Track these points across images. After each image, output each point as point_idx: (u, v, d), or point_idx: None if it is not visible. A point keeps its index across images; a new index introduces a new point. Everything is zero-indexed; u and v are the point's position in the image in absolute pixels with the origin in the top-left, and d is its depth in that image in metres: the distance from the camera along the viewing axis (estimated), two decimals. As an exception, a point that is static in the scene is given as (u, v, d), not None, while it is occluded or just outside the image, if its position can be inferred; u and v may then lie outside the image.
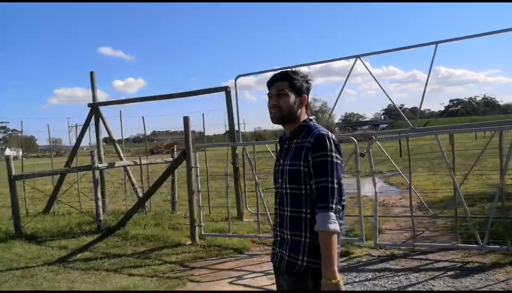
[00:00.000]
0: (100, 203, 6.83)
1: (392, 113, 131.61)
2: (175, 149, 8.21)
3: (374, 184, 5.11)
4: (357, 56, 6.62)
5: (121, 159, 8.36)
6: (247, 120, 72.85)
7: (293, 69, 1.95)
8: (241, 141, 7.72)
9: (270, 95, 1.88)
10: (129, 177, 8.42)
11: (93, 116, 8.61)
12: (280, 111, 1.83)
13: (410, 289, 3.90)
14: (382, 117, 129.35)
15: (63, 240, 6.46)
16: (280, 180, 1.84)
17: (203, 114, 8.35)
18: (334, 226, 1.64)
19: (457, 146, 6.86)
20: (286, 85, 1.84)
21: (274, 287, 3.45)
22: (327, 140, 1.71)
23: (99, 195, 6.81)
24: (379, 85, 6.62)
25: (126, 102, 8.68)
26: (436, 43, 6.06)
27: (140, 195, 8.35)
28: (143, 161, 7.77)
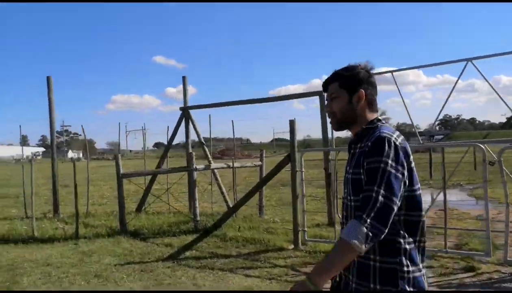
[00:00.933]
0: (197, 204, 6.99)
1: (448, 123, 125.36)
2: (264, 154, 8.24)
3: (506, 195, 4.76)
4: (468, 60, 6.28)
5: (209, 162, 8.54)
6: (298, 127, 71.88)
7: (349, 65, 1.63)
8: (334, 146, 7.60)
9: (326, 100, 1.69)
10: (217, 179, 8.57)
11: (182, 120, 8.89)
12: (335, 117, 1.63)
13: None
14: (437, 128, 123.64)
15: (165, 238, 6.67)
16: (345, 190, 1.61)
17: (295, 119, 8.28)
18: (359, 243, 1.34)
19: None
20: (337, 86, 1.61)
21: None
22: (386, 144, 1.42)
23: (196, 196, 6.98)
24: (494, 90, 6.20)
25: (216, 106, 8.89)
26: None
27: (227, 197, 8.49)
28: (235, 164, 7.87)
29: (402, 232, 1.46)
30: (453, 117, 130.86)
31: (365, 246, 1.35)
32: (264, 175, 8.08)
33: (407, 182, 1.44)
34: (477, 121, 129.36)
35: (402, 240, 1.45)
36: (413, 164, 1.49)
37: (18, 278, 4.77)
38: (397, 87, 6.79)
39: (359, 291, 1.48)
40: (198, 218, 7.04)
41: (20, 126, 9.97)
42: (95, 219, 7.84)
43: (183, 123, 8.97)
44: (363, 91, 1.58)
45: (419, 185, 1.50)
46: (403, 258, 1.43)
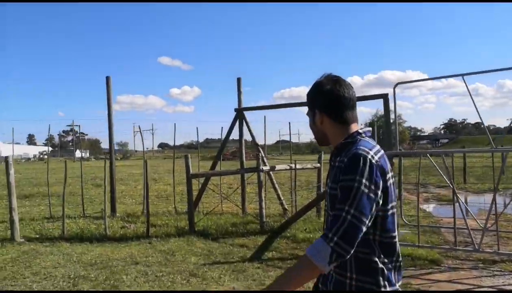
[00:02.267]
0: (263, 205, 7.02)
1: (453, 128, 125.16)
2: (322, 156, 8.26)
3: None
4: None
5: (264, 163, 8.57)
6: (302, 131, 72.30)
7: (314, 83, 1.59)
8: (397, 150, 7.61)
9: None
10: (272, 181, 8.59)
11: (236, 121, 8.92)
12: (314, 136, 1.64)
13: None
14: (442, 131, 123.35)
15: (235, 238, 6.69)
16: (326, 203, 1.58)
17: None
18: (322, 262, 1.33)
19: None
20: (308, 107, 1.63)
21: None
22: (361, 162, 1.37)
23: (263, 197, 7.01)
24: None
25: (270, 108, 8.92)
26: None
27: (282, 198, 8.52)
28: (296, 166, 7.90)
29: (377, 251, 1.44)
30: (458, 121, 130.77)
31: (329, 265, 1.34)
32: (322, 176, 8.12)
33: (380, 201, 1.41)
34: (482, 126, 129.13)
35: (378, 260, 1.43)
36: (390, 181, 1.45)
37: (117, 276, 4.80)
38: (468, 90, 6.81)
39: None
40: (265, 219, 7.06)
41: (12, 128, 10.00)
42: (156, 218, 7.86)
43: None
44: (318, 111, 1.55)
45: (394, 203, 1.46)
46: (380, 279, 1.42)
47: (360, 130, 1.52)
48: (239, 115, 8.90)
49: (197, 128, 10.48)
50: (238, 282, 4.72)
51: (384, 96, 7.40)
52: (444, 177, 6.77)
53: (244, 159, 8.99)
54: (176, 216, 8.35)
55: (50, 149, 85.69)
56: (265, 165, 8.49)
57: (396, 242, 1.49)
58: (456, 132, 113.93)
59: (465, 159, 14.44)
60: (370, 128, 1.58)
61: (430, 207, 10.37)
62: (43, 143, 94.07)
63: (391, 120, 7.46)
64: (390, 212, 1.45)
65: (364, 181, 1.35)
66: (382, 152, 1.48)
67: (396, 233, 1.50)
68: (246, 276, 4.88)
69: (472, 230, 5.74)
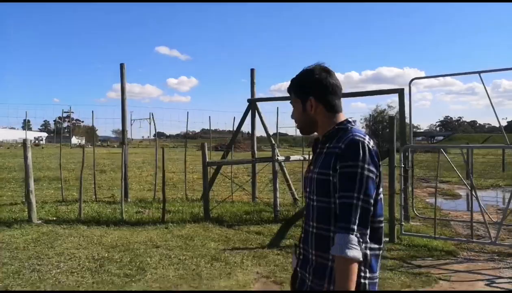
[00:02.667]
0: (278, 194, 7.09)
1: (449, 125, 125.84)
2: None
3: None
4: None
5: (275, 153, 8.62)
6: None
7: (303, 70, 1.61)
8: (412, 143, 7.70)
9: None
10: (283, 171, 8.66)
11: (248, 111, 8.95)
12: (297, 124, 1.64)
13: None
14: (437, 129, 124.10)
15: (250, 226, 6.76)
16: (308, 189, 1.56)
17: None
18: (354, 252, 1.34)
19: None
20: (293, 95, 1.62)
21: None
22: (360, 148, 1.41)
23: (277, 186, 7.07)
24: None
25: (283, 100, 8.94)
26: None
27: (293, 189, 8.60)
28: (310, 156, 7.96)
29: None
30: (454, 119, 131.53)
31: (360, 251, 1.36)
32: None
33: (379, 184, 1.46)
34: (477, 124, 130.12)
35: (365, 245, 1.43)
36: (381, 168, 1.49)
37: (141, 259, 4.85)
38: (484, 87, 6.88)
39: (314, 290, 1.49)
40: (279, 208, 7.14)
41: (26, 112, 9.91)
42: (169, 204, 7.89)
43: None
44: (313, 98, 1.55)
45: (382, 189, 1.49)
46: (362, 264, 1.41)
47: (350, 119, 1.56)
48: (252, 106, 8.93)
49: (209, 117, 10.27)
50: (260, 267, 4.78)
51: (400, 91, 7.46)
52: (458, 172, 6.87)
53: (255, 149, 9.05)
54: (187, 203, 8.40)
55: (46, 134, 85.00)
56: (278, 155, 8.55)
57: (381, 227, 1.50)
58: (451, 130, 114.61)
59: (471, 156, 14.57)
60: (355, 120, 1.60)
61: (438, 201, 10.49)
62: (38, 129, 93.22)
63: (406, 115, 7.51)
64: (380, 196, 1.48)
65: (366, 165, 1.40)
66: (373, 140, 1.51)
67: (383, 218, 1.51)
68: (267, 261, 4.95)
69: (488, 224, 5.84)
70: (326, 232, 1.46)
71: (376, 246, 1.47)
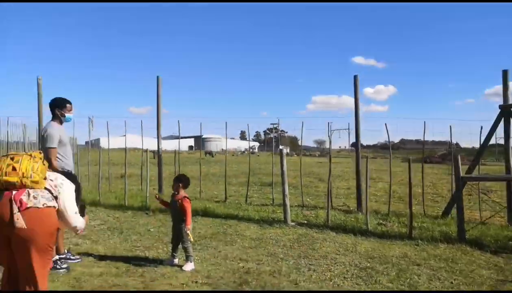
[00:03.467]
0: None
1: None
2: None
3: None
4: None
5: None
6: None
7: None
8: None
9: None
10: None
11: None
12: None
13: None
14: None
15: None
16: None
17: None
18: None
19: None
20: None
21: None
22: None
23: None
24: None
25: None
26: None
27: None
28: None
29: None
30: None
31: None
32: None
33: None
34: None
35: None
36: None
37: (408, 275, 4.64)
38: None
39: None
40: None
41: (247, 125, 10.73)
42: (406, 219, 7.49)
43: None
44: None
45: None
46: None
47: None
48: (505, 113, 7.63)
49: (424, 122, 8.99)
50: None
51: None
52: None
53: (511, 163, 7.64)
54: (429, 219, 7.79)
55: (257, 144, 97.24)
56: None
57: None
58: None
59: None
60: None
61: None
62: (252, 139, 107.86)
63: None
64: None
65: None
66: None
67: None
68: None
69: None
70: None
71: None
